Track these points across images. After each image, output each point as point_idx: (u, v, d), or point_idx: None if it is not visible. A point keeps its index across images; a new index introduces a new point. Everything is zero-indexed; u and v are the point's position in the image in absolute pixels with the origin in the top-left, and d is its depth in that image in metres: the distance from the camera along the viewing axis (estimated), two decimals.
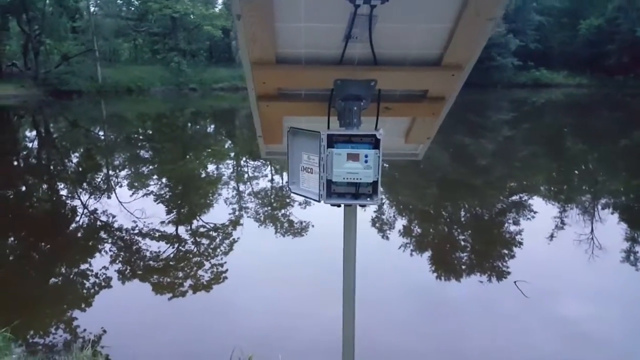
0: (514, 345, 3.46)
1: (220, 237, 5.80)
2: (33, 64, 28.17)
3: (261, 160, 9.88)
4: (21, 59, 30.65)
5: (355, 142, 1.21)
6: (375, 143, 1.20)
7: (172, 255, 5.23)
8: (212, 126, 19.39)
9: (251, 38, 1.13)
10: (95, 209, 6.98)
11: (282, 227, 6.18)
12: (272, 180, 8.97)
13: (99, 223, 6.42)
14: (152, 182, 9.00)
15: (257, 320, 3.75)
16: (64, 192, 8.56)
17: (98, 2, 35.79)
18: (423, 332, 3.70)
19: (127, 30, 35.19)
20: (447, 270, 4.82)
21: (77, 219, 6.77)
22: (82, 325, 3.71)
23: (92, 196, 7.97)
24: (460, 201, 7.41)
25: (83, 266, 4.97)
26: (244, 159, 11.36)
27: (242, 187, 8.52)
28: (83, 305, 4.18)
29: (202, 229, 6.10)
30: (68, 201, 7.82)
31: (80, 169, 10.58)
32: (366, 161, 1.20)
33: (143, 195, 7.76)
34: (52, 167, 10.95)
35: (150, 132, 17.03)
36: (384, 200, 7.21)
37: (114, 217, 6.54)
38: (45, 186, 9.15)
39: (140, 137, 15.75)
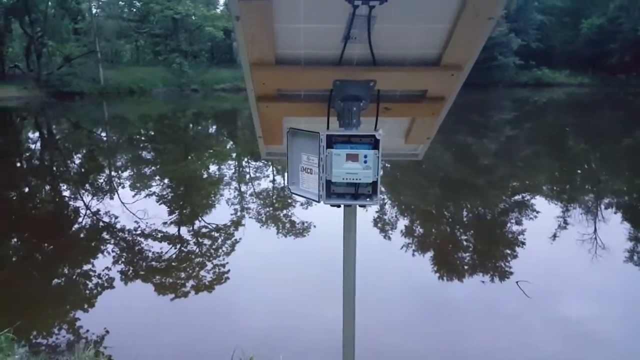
0: (516, 346, 3.46)
1: (222, 238, 5.80)
2: (35, 66, 28.28)
3: (263, 161, 9.88)
4: (24, 61, 30.78)
5: (355, 143, 1.21)
6: (374, 143, 1.20)
7: (174, 256, 5.24)
8: (214, 127, 19.42)
9: (250, 39, 1.14)
10: (98, 210, 7.00)
11: (284, 227, 6.18)
12: (273, 181, 8.97)
13: (101, 224, 6.43)
14: (154, 183, 9.02)
15: (258, 321, 3.75)
16: (66, 193, 8.58)
17: (100, 3, 35.92)
18: (424, 332, 3.69)
19: (129, 31, 35.30)
20: (449, 270, 4.81)
21: (80, 220, 6.79)
22: (85, 326, 3.72)
23: (95, 197, 7.99)
24: (463, 201, 7.40)
25: (86, 267, 4.99)
26: (245, 159, 11.37)
27: (243, 188, 8.53)
28: (86, 306, 4.19)
29: (204, 230, 6.11)
30: (71, 202, 7.84)
31: (83, 170, 10.61)
32: (365, 161, 1.20)
33: (145, 196, 7.77)
34: (54, 169, 10.99)
35: (152, 133, 17.06)
36: (385, 201, 7.21)
37: (116, 218, 6.56)
38: (48, 187, 9.18)
39: (142, 138, 15.79)
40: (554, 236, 5.68)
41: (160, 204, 7.37)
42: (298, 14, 1.10)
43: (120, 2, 36.25)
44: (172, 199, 7.93)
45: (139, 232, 5.97)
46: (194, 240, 5.80)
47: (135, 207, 6.96)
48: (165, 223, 6.24)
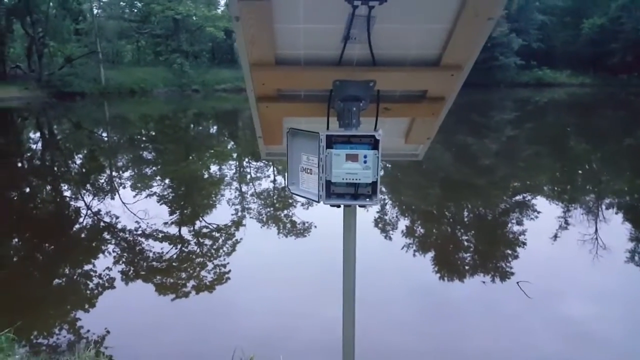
0: (517, 346, 3.45)
1: (222, 238, 5.81)
2: (37, 66, 28.34)
3: (263, 161, 9.89)
4: (25, 61, 30.86)
5: (354, 143, 1.21)
6: (374, 143, 1.20)
7: (175, 256, 5.24)
8: (215, 127, 19.43)
9: (250, 39, 1.14)
10: (99, 210, 7.00)
11: (285, 227, 6.19)
12: (274, 181, 8.98)
13: (102, 224, 6.44)
14: (155, 183, 9.03)
15: (259, 321, 3.75)
16: (67, 194, 8.59)
17: (101, 4, 35.97)
18: (424, 332, 3.69)
19: (130, 32, 35.35)
20: (449, 270, 4.80)
21: (81, 220, 6.80)
22: (86, 326, 3.72)
23: (96, 197, 8.00)
24: (463, 201, 7.39)
25: (86, 267, 4.99)
26: (246, 160, 11.38)
27: (244, 188, 8.53)
28: (86, 306, 4.20)
29: (205, 230, 6.11)
30: (72, 202, 7.85)
31: (84, 170, 10.62)
32: (365, 162, 1.20)
33: (146, 196, 7.78)
34: (55, 169, 11.00)
35: (153, 134, 17.08)
36: (386, 201, 7.21)
37: (117, 218, 6.57)
38: (48, 187, 9.19)
39: (143, 139, 15.80)
40: (555, 236, 5.67)
41: (161, 204, 7.38)
42: (298, 15, 1.10)
43: (121, 3, 36.32)
44: (173, 199, 7.93)
45: (139, 232, 5.97)
46: (195, 240, 5.81)
47: (136, 207, 6.96)
48: (166, 223, 6.25)
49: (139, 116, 21.87)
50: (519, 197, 7.55)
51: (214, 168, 10.63)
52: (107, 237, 5.98)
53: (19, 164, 11.49)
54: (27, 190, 9.06)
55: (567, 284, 4.44)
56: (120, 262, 5.08)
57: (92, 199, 7.90)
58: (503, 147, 12.68)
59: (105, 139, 15.86)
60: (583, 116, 19.74)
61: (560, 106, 24.30)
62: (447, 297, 4.28)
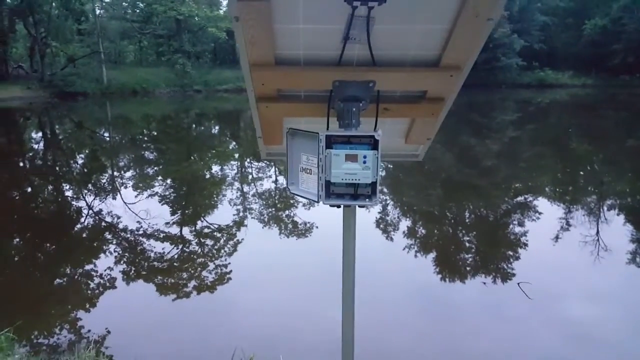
0: (517, 347, 3.45)
1: (224, 238, 5.81)
2: (39, 66, 28.44)
3: (265, 162, 9.89)
4: (27, 61, 30.98)
5: (354, 143, 1.21)
6: (374, 144, 1.20)
7: (176, 256, 5.24)
8: (217, 127, 19.46)
9: (250, 40, 1.14)
10: (100, 210, 7.01)
11: (286, 228, 6.19)
12: (276, 182, 8.98)
13: (103, 224, 6.45)
14: (156, 183, 9.04)
15: (259, 321, 3.76)
16: (69, 193, 8.61)
17: (103, 4, 36.05)
18: (424, 332, 3.68)
19: (132, 32, 35.44)
20: (450, 271, 4.80)
21: (82, 219, 6.81)
22: (86, 326, 3.73)
23: (97, 197, 8.02)
24: (465, 202, 7.38)
25: (87, 267, 5.00)
26: (248, 160, 11.38)
27: (246, 188, 8.54)
28: (87, 306, 4.20)
29: (206, 230, 6.12)
30: (73, 202, 7.87)
31: (86, 170, 10.65)
32: (365, 162, 1.20)
33: (148, 196, 7.79)
34: (57, 168, 11.02)
35: (155, 134, 17.10)
36: (388, 201, 7.20)
37: (118, 218, 6.57)
38: (50, 187, 9.21)
39: (145, 139, 15.82)
40: (556, 238, 5.66)
41: (162, 204, 7.39)
42: (297, 15, 1.10)
43: (123, 3, 36.41)
44: (175, 199, 7.94)
45: (141, 232, 5.98)
46: (196, 240, 5.81)
47: (138, 207, 6.97)
48: (167, 223, 6.26)
49: (141, 116, 21.91)
50: (520, 198, 7.54)
51: (215, 168, 10.64)
52: (109, 237, 5.99)
53: (21, 164, 11.52)
54: (29, 189, 9.08)
55: (568, 285, 4.43)
56: (121, 262, 5.09)
57: (94, 198, 7.91)
58: (505, 148, 12.67)
59: (107, 139, 15.89)
60: (585, 117, 19.70)
61: (562, 107, 24.26)
62: (447, 297, 4.27)
